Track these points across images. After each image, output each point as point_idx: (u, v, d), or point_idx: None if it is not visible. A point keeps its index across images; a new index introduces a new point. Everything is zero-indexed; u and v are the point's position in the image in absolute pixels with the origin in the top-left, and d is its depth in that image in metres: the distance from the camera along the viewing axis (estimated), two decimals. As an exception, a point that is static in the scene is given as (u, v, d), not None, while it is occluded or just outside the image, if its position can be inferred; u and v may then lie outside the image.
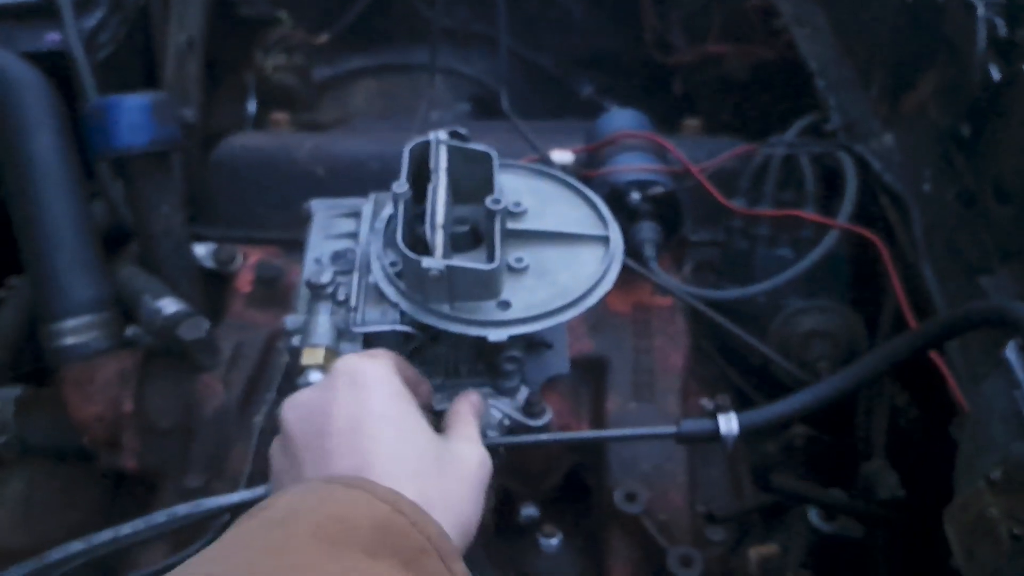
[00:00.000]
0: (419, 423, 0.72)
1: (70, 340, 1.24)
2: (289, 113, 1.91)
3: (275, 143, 1.65)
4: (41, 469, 1.34)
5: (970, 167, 1.08)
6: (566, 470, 1.22)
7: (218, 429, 1.21)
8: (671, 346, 1.29)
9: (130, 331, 1.26)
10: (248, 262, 1.45)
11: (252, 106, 1.95)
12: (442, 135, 1.01)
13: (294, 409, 0.73)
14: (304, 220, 1.12)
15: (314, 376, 0.91)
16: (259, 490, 0.87)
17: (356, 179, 1.54)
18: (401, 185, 0.94)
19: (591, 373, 1.28)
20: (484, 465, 0.75)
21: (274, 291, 1.40)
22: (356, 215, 1.09)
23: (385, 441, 0.67)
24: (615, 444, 1.19)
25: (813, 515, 1.26)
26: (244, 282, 1.42)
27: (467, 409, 0.85)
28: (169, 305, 1.23)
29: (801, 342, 1.35)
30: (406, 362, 0.81)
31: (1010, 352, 0.78)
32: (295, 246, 1.39)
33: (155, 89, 1.60)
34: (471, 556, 0.64)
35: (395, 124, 1.96)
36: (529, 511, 1.21)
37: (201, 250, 1.46)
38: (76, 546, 0.86)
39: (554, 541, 1.17)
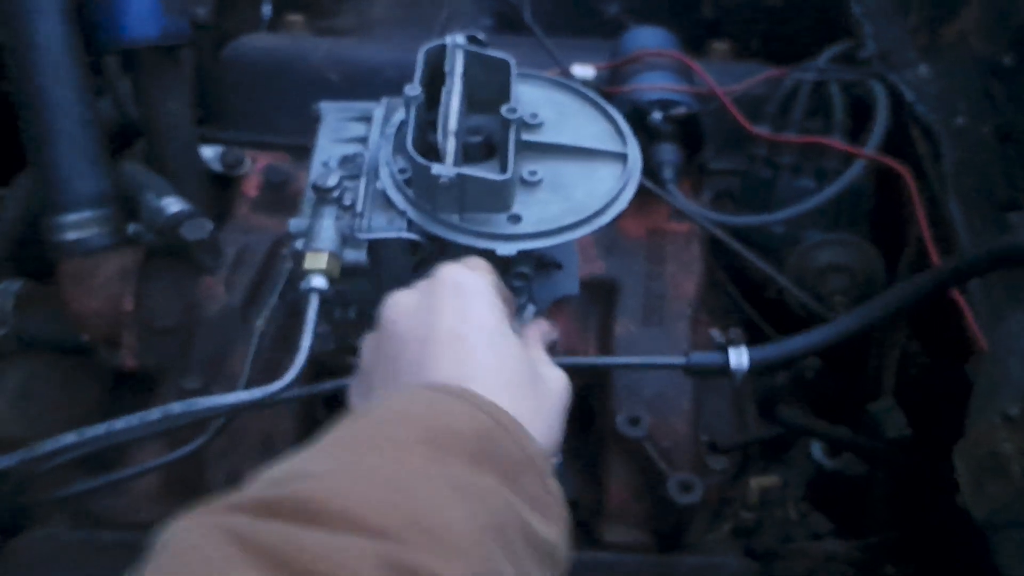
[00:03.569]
0: (515, 339, 0.72)
1: (71, 235, 1.21)
2: (305, 17, 1.86)
3: (289, 45, 1.60)
4: (40, 363, 1.33)
5: (1010, 99, 1.04)
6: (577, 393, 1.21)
7: (218, 331, 1.20)
8: (684, 273, 1.27)
9: (132, 228, 1.23)
10: (256, 166, 1.41)
11: (268, 9, 1.89)
12: (459, 39, 0.97)
13: (395, 309, 0.72)
14: (313, 122, 1.08)
15: (316, 281, 0.89)
16: (255, 392, 0.85)
17: (371, 86, 1.50)
18: (414, 88, 0.91)
19: (601, 296, 1.25)
20: (568, 389, 0.75)
21: (281, 196, 1.37)
22: (367, 119, 1.06)
23: (485, 354, 0.67)
24: (620, 369, 1.17)
25: (816, 450, 1.25)
26: (251, 186, 1.39)
27: (538, 335, 0.85)
28: (173, 204, 1.20)
29: (818, 275, 1.32)
30: (499, 277, 0.80)
31: (1037, 290, 0.76)
32: (304, 152, 1.35)
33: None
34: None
35: (413, 34, 1.90)
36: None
37: (208, 152, 1.42)
38: (68, 438, 0.85)
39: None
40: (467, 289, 0.71)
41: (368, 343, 0.75)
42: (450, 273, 0.73)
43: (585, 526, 1.15)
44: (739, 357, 0.91)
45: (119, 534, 1.08)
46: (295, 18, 1.77)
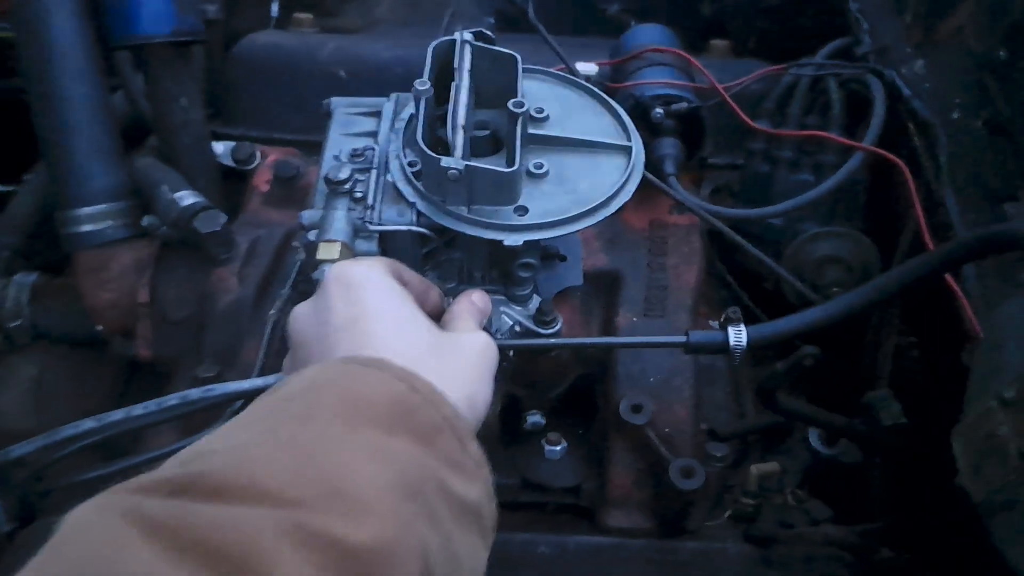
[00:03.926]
0: (414, 316, 0.73)
1: (86, 227, 1.24)
2: (312, 15, 1.88)
3: (297, 42, 1.63)
4: (54, 355, 1.36)
5: (1003, 92, 1.06)
6: (573, 380, 1.24)
7: (231, 322, 1.22)
8: (685, 264, 1.29)
9: (146, 221, 1.26)
10: (266, 161, 1.44)
11: (275, 7, 1.92)
12: (467, 35, 1.00)
13: (295, 321, 0.74)
14: (323, 117, 1.11)
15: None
16: (271, 378, 0.88)
17: (378, 83, 1.52)
18: (423, 83, 0.93)
19: (604, 287, 1.28)
20: (488, 347, 0.75)
21: (291, 190, 1.39)
22: (376, 114, 1.08)
23: (382, 333, 0.68)
24: (623, 357, 1.19)
25: (814, 438, 1.27)
26: (261, 180, 1.42)
27: (465, 306, 0.85)
28: (186, 197, 1.23)
29: (815, 267, 1.35)
30: (409, 269, 0.81)
31: (1029, 277, 0.78)
32: (314, 147, 1.38)
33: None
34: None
35: (418, 32, 1.92)
36: (535, 419, 1.23)
37: (219, 147, 1.45)
38: (87, 424, 0.88)
39: (558, 448, 1.19)
40: (353, 279, 0.72)
41: (285, 363, 0.76)
42: (336, 270, 0.74)
43: (588, 511, 1.18)
44: (738, 335, 0.93)
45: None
46: (303, 16, 1.79)
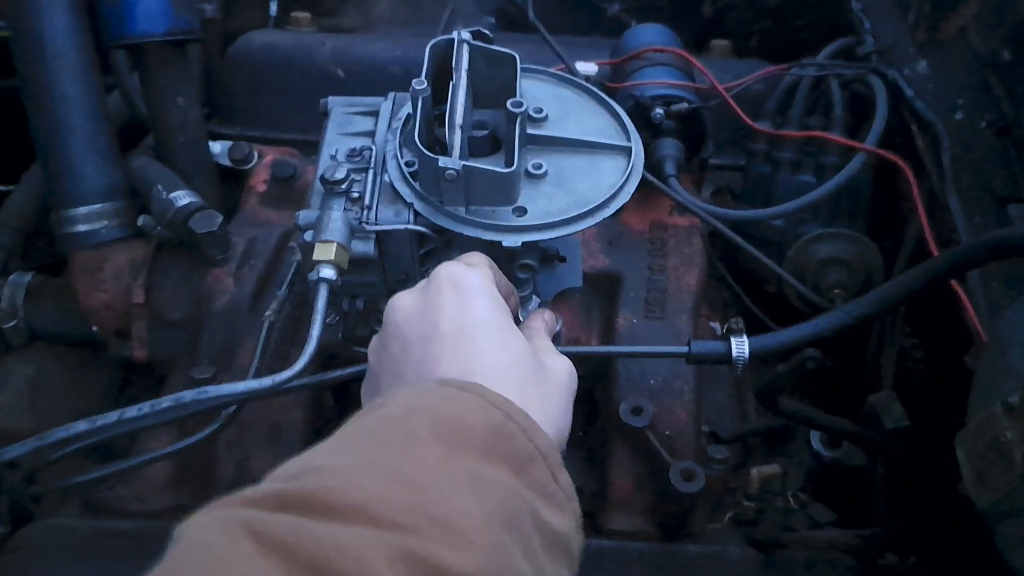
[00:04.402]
0: (517, 332, 0.72)
1: (81, 227, 1.23)
2: (311, 15, 1.87)
3: (295, 41, 1.61)
4: (49, 356, 1.35)
5: (1008, 93, 1.05)
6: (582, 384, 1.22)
7: (227, 323, 1.21)
8: (686, 266, 1.28)
9: (141, 221, 1.25)
10: (263, 161, 1.43)
11: (274, 7, 1.91)
12: (465, 34, 0.99)
13: (398, 310, 0.73)
14: (321, 117, 1.10)
15: (325, 271, 0.90)
16: (266, 380, 0.87)
17: (376, 82, 1.52)
18: (421, 82, 0.92)
19: (604, 289, 1.27)
20: (574, 376, 0.75)
21: (289, 190, 1.38)
22: (374, 114, 1.07)
23: (488, 348, 0.68)
24: (624, 359, 1.18)
25: (816, 441, 1.26)
26: (259, 180, 1.41)
27: (541, 324, 0.85)
28: (182, 197, 1.22)
29: (817, 269, 1.34)
30: (501, 274, 0.81)
31: (1034, 281, 0.77)
32: (311, 147, 1.37)
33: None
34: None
35: (417, 32, 1.92)
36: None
37: (216, 147, 1.44)
38: (80, 426, 0.87)
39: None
40: (467, 286, 0.72)
41: (374, 345, 0.75)
42: (449, 271, 0.73)
43: (588, 515, 1.16)
44: (740, 346, 0.92)
45: (128, 523, 1.09)
46: (301, 15, 1.78)
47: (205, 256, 1.24)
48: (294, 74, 1.55)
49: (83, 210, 1.23)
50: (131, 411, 0.86)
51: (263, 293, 1.24)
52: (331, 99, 1.11)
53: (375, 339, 0.76)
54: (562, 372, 0.74)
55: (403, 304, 0.73)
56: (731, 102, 1.35)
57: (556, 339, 0.88)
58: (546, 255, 1.14)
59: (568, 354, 0.79)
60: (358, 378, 0.85)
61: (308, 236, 0.93)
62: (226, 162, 1.43)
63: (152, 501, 1.13)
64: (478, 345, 0.68)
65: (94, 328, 1.28)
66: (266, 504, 0.47)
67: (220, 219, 1.23)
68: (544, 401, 0.68)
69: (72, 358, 1.36)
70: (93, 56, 1.26)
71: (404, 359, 0.70)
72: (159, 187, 1.23)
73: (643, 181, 0.98)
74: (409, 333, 0.71)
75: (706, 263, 1.31)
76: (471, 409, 0.59)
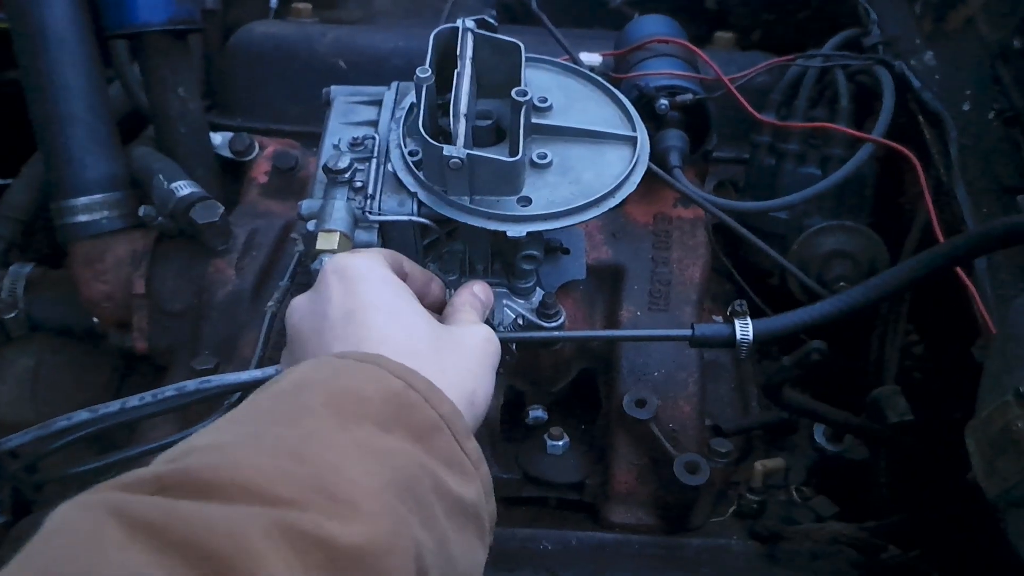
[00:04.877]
0: (413, 308, 0.72)
1: (82, 217, 1.22)
2: (311, 6, 1.86)
3: (296, 32, 1.60)
4: (49, 347, 1.35)
5: (1017, 83, 1.05)
6: (576, 374, 1.22)
7: (229, 314, 1.21)
8: (690, 258, 1.27)
9: (142, 211, 1.24)
10: (264, 152, 1.42)
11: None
12: (469, 23, 0.98)
13: (292, 313, 0.73)
14: (323, 107, 1.09)
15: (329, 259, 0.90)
16: (269, 370, 0.86)
17: (378, 73, 1.51)
18: (425, 70, 0.91)
19: (607, 281, 1.26)
20: (489, 341, 0.74)
21: (290, 181, 1.38)
22: (377, 103, 1.07)
23: (378, 326, 0.67)
24: (627, 351, 1.18)
25: (819, 434, 1.26)
26: (260, 171, 1.40)
27: (467, 298, 0.84)
28: (183, 187, 1.21)
29: (822, 262, 1.33)
30: (410, 261, 0.81)
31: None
32: (313, 138, 1.36)
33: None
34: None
35: (419, 23, 1.91)
36: (537, 413, 1.21)
37: (217, 138, 1.43)
38: (82, 415, 0.86)
39: (560, 444, 1.17)
40: (350, 272, 0.71)
41: (283, 355, 0.75)
42: (334, 262, 0.73)
43: (591, 507, 1.16)
44: (744, 328, 0.91)
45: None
46: (302, 6, 1.77)
47: (206, 247, 1.24)
48: (295, 65, 1.54)
49: (83, 200, 1.22)
50: (133, 400, 0.85)
51: (265, 284, 1.23)
52: (333, 88, 1.11)
53: (284, 351, 0.75)
54: (475, 337, 0.74)
55: (297, 305, 0.73)
56: (736, 93, 1.34)
57: (491, 317, 0.87)
58: (550, 246, 1.13)
59: (570, 338, 0.78)
60: None
61: (311, 226, 0.93)
62: (227, 153, 1.42)
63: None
64: (367, 324, 0.67)
65: (95, 319, 1.27)
66: (141, 487, 0.46)
67: (221, 209, 1.22)
68: (451, 368, 0.67)
69: (72, 349, 1.35)
70: (94, 46, 1.25)
71: (301, 355, 0.70)
72: (160, 177, 1.23)
73: (648, 172, 0.97)
74: (304, 330, 0.71)
75: (710, 256, 1.31)
76: (368, 379, 0.58)
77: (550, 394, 1.22)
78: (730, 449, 1.16)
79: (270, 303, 1.07)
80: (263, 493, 0.46)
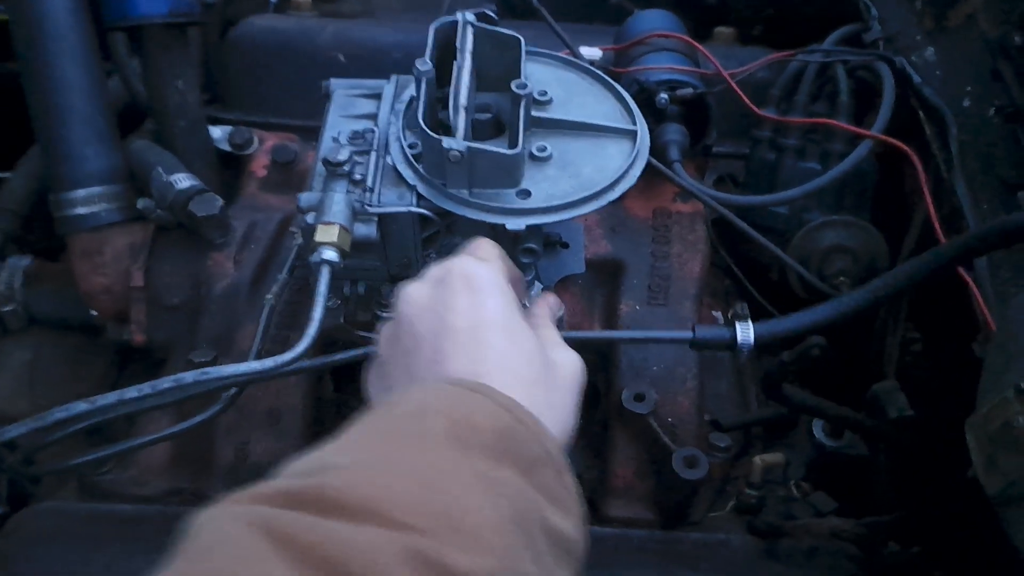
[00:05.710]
0: (527, 331, 0.71)
1: (80, 210, 1.22)
2: (312, 1, 1.86)
3: (296, 26, 1.60)
4: (47, 340, 1.35)
5: (1018, 79, 1.04)
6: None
7: (227, 307, 1.20)
8: (689, 253, 1.27)
9: (141, 204, 1.23)
10: (264, 146, 1.42)
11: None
12: (469, 16, 0.98)
13: (411, 304, 0.72)
14: (322, 100, 1.09)
15: (327, 253, 0.89)
16: (267, 362, 0.86)
17: (378, 67, 1.50)
18: (425, 63, 0.91)
19: (607, 276, 1.26)
20: (582, 371, 0.74)
21: (289, 175, 1.37)
22: (376, 96, 1.06)
23: (499, 348, 0.67)
24: (626, 346, 1.18)
25: (818, 430, 1.26)
26: (259, 165, 1.39)
27: (546, 312, 0.84)
28: (182, 180, 1.21)
29: (822, 257, 1.33)
30: (508, 259, 0.80)
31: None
32: (312, 133, 1.36)
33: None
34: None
35: (418, 17, 1.90)
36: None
37: (217, 132, 1.43)
38: (80, 406, 0.86)
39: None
40: (479, 282, 0.71)
41: (384, 335, 0.75)
42: (463, 267, 0.73)
43: (589, 501, 1.16)
44: (745, 332, 0.91)
45: (126, 507, 1.09)
46: (301, 0, 1.76)
47: (205, 240, 1.23)
48: (295, 59, 1.54)
49: (82, 193, 1.21)
50: (131, 392, 0.84)
51: (263, 277, 1.23)
52: (333, 81, 1.10)
53: (386, 328, 0.75)
54: (570, 367, 0.74)
55: (415, 298, 0.73)
56: (736, 88, 1.34)
57: (559, 325, 0.87)
58: (549, 240, 1.13)
59: (570, 339, 0.78)
60: (359, 362, 0.85)
61: (310, 218, 0.92)
62: (226, 147, 1.41)
63: (149, 485, 1.12)
64: (489, 344, 0.67)
65: (93, 312, 1.27)
66: (281, 501, 0.47)
67: (220, 202, 1.21)
68: (552, 401, 0.68)
69: (69, 342, 1.35)
70: (93, 38, 1.24)
71: (415, 355, 0.69)
72: (159, 170, 1.22)
73: (647, 166, 0.97)
74: (421, 328, 0.70)
75: (709, 250, 1.31)
76: (481, 410, 0.58)
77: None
78: (729, 444, 1.16)
79: (268, 295, 1.07)
80: (394, 517, 0.47)
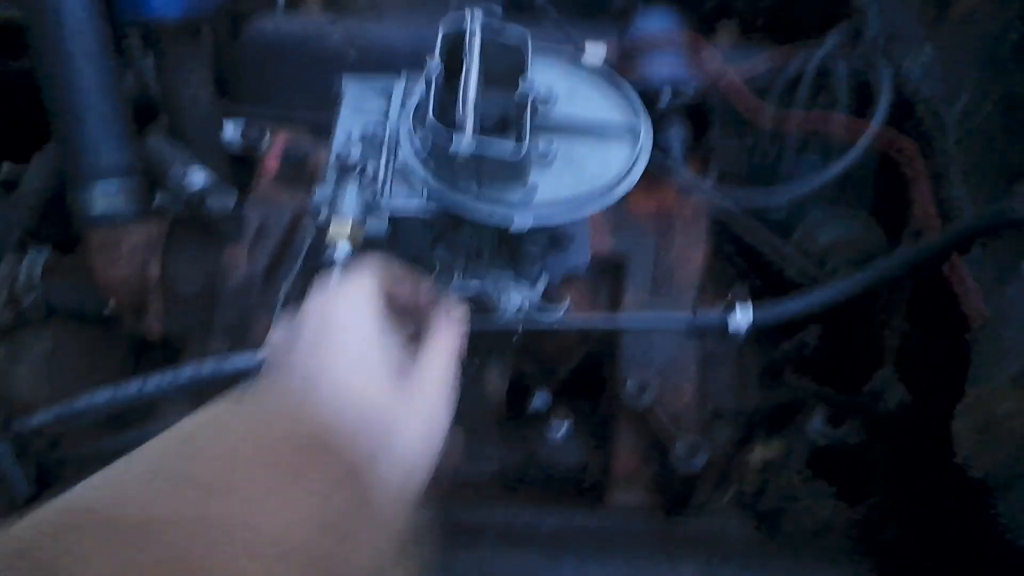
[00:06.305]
0: (383, 343, 0.68)
1: (98, 205, 1.25)
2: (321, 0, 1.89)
3: (307, 25, 1.63)
4: (65, 331, 1.38)
5: (1016, 72, 1.07)
6: (579, 359, 1.25)
7: (241, 299, 1.24)
8: (692, 247, 1.30)
9: (158, 200, 1.27)
10: (276, 142, 1.45)
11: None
12: (477, 13, 1.01)
13: (270, 347, 0.71)
14: (334, 97, 1.12)
15: (342, 246, 0.93)
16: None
17: (388, 64, 1.53)
18: (434, 61, 0.94)
19: (610, 270, 1.29)
20: (445, 408, 0.69)
21: (301, 171, 1.40)
22: (387, 94, 1.09)
23: (344, 356, 0.65)
24: (629, 337, 1.21)
25: (816, 422, 1.29)
26: (271, 161, 1.42)
27: (443, 328, 0.77)
28: (197, 175, 1.24)
29: (823, 250, 1.36)
30: (401, 271, 0.77)
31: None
32: (323, 129, 1.39)
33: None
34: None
35: (426, 15, 1.93)
36: (542, 397, 1.24)
37: (229, 128, 1.46)
38: (103, 395, 0.89)
39: (563, 426, 1.20)
40: (331, 319, 0.67)
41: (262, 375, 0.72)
42: (316, 303, 0.69)
43: (593, 489, 1.19)
44: (744, 315, 0.94)
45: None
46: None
47: (220, 234, 1.27)
48: (306, 57, 1.57)
49: (100, 188, 1.25)
50: (152, 381, 0.88)
51: (276, 270, 1.26)
52: (345, 78, 1.13)
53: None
54: (431, 384, 0.69)
55: (274, 340, 0.71)
56: (738, 85, 1.37)
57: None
58: (554, 236, 1.16)
59: (571, 327, 0.80)
60: None
61: (323, 213, 0.96)
62: (239, 142, 1.44)
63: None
64: (335, 353, 0.65)
65: (111, 303, 1.30)
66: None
67: (235, 198, 1.25)
68: (395, 425, 0.63)
69: (87, 333, 1.38)
70: (108, 36, 1.28)
71: (268, 372, 0.69)
72: (175, 166, 1.25)
73: (650, 164, 0.99)
74: (272, 364, 0.69)
75: (711, 245, 1.33)
76: (291, 419, 0.57)
77: (555, 377, 1.25)
78: (730, 433, 1.19)
79: (283, 286, 1.10)
80: (168, 535, 0.46)
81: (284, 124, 1.51)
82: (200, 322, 1.26)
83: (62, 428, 0.97)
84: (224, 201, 1.23)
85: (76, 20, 1.24)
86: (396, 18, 1.85)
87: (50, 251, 1.38)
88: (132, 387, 0.88)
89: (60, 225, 1.42)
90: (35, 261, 1.36)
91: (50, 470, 1.05)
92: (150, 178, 1.30)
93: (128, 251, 1.26)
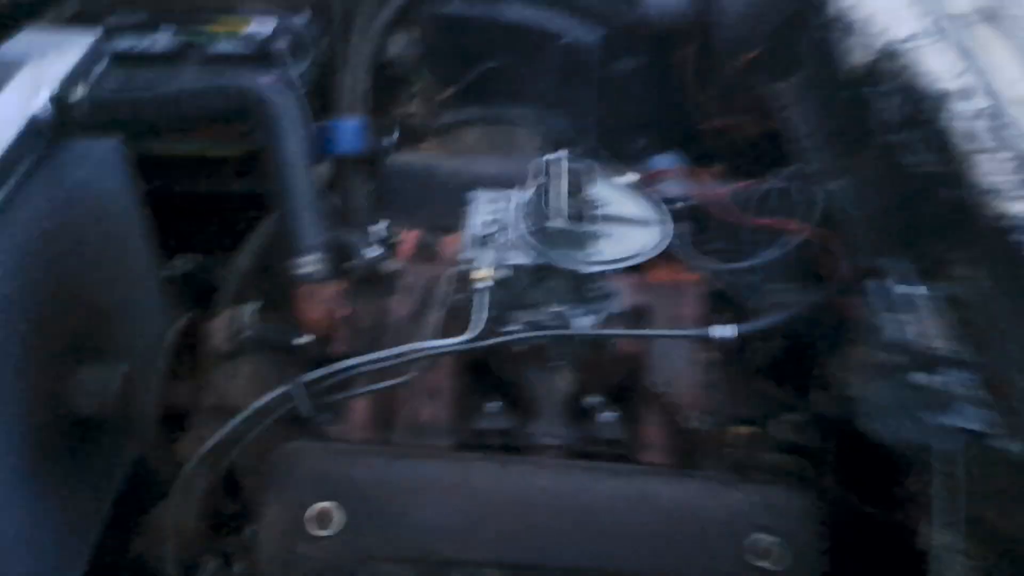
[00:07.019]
0: None
1: (305, 269, 1.92)
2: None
3: (427, 161, 2.37)
4: (266, 357, 2.01)
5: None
6: (624, 371, 1.86)
7: (402, 331, 1.88)
8: (692, 305, 1.94)
9: (347, 265, 1.95)
10: (410, 235, 2.12)
11: (395, 138, 2.66)
12: (562, 153, 1.70)
13: None
14: (467, 200, 1.81)
15: (482, 284, 1.59)
16: (451, 341, 1.54)
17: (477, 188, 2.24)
18: (539, 173, 1.63)
19: (636, 315, 1.93)
20: None
21: (430, 255, 2.07)
22: (505, 200, 1.78)
23: None
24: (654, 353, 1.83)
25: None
26: (406, 249, 2.10)
27: None
28: (372, 250, 1.93)
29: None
30: None
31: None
32: (438, 228, 2.07)
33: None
34: None
35: (498, 155, 2.67)
36: (594, 400, 1.84)
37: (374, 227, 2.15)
38: (366, 358, 1.54)
39: (611, 416, 1.80)
40: None
41: None
42: None
43: (623, 458, 1.79)
44: (730, 330, 1.59)
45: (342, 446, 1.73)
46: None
47: (385, 288, 1.94)
48: (428, 183, 2.29)
49: (307, 258, 1.92)
50: (383, 354, 1.53)
51: (421, 311, 1.91)
52: (473, 192, 1.82)
53: None
54: None
55: None
56: (724, 201, 2.06)
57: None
58: (602, 292, 1.80)
59: (598, 337, 1.43)
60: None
61: (467, 267, 1.62)
62: (383, 235, 2.12)
63: (355, 433, 1.75)
64: None
65: (304, 337, 1.95)
66: None
67: (398, 265, 1.93)
68: None
69: (280, 359, 2.02)
70: (311, 164, 2.00)
71: None
72: (357, 244, 1.94)
73: (667, 247, 1.66)
74: None
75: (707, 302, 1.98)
76: None
77: (606, 385, 1.86)
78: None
79: (432, 318, 1.75)
80: None
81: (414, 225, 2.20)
82: (372, 347, 1.89)
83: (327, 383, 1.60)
84: (391, 266, 1.91)
85: (295, 152, 1.96)
86: (482, 156, 2.59)
87: (261, 303, 2.04)
88: (373, 356, 1.54)
89: (262, 287, 2.09)
90: (249, 309, 2.02)
91: (314, 416, 1.65)
92: (339, 253, 1.98)
93: (324, 299, 1.92)
